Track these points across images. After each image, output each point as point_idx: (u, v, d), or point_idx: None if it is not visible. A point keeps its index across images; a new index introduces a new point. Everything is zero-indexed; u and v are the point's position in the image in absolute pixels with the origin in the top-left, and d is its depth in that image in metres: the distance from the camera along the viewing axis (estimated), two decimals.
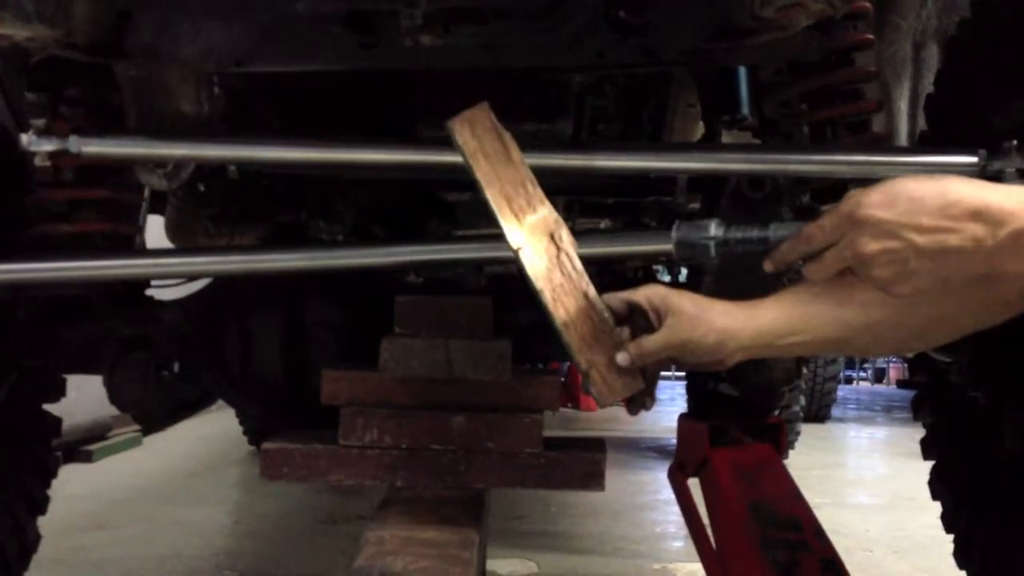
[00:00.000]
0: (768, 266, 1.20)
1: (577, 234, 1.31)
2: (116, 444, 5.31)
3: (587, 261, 1.27)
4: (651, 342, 1.20)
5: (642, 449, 6.00)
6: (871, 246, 1.08)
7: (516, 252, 1.23)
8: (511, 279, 2.65)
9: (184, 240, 2.75)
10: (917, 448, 2.03)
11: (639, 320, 1.23)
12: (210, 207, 2.40)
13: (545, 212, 1.25)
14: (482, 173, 1.25)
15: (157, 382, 1.88)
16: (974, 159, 1.58)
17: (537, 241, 1.23)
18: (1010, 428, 1.83)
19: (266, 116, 2.22)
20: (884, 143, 2.02)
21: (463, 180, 2.37)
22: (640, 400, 1.26)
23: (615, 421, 7.17)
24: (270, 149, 1.68)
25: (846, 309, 1.18)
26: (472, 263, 2.30)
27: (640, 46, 1.46)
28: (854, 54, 1.86)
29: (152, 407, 1.89)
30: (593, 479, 1.64)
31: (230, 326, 1.93)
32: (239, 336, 1.93)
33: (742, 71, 2.04)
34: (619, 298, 1.24)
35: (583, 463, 1.64)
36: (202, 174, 2.01)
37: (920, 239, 1.06)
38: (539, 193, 1.26)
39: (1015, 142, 1.58)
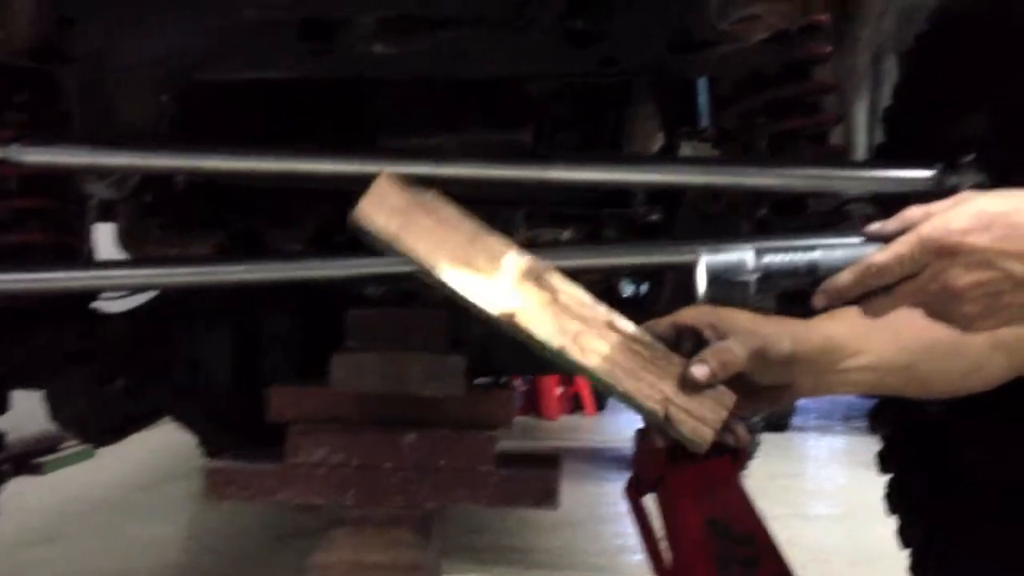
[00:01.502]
0: (821, 301, 1.01)
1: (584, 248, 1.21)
2: (68, 456, 5.20)
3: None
4: (730, 347, 1.04)
5: (603, 459, 5.98)
6: (964, 278, 0.95)
7: (509, 321, 1.02)
8: None
9: (136, 249, 2.69)
10: (870, 459, 2.02)
11: (687, 344, 1.08)
12: (162, 216, 2.35)
13: (517, 258, 1.03)
14: (421, 254, 1.00)
15: (100, 397, 1.82)
16: (930, 173, 1.57)
17: (527, 295, 1.02)
18: (967, 442, 1.82)
19: (223, 125, 2.18)
20: (843, 155, 2.02)
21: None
22: (740, 439, 1.10)
23: (576, 430, 7.15)
24: (220, 159, 1.64)
25: (903, 328, 1.06)
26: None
27: (598, 56, 1.44)
28: (813, 67, 1.85)
29: (95, 423, 1.84)
30: (547, 497, 1.61)
31: (177, 339, 1.88)
32: (187, 350, 1.88)
33: (701, 83, 2.03)
34: (664, 324, 1.09)
35: (537, 480, 1.61)
36: (151, 183, 1.96)
37: (1020, 268, 0.94)
38: (499, 239, 1.04)
39: (972, 156, 1.58)
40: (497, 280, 1.02)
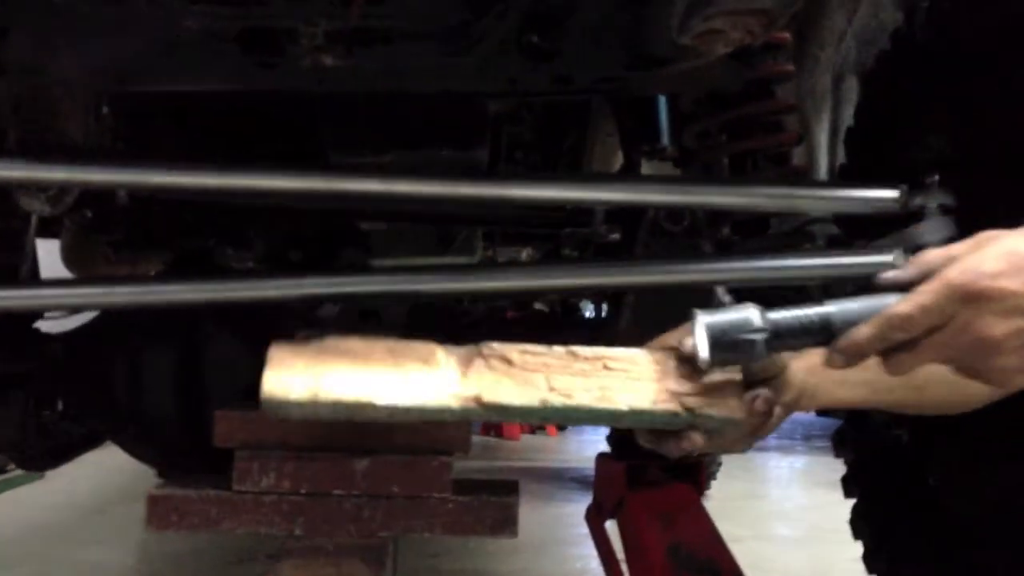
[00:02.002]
0: (837, 362, 0.94)
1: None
2: (15, 478, 5.06)
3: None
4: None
5: (565, 480, 5.93)
6: (999, 327, 0.86)
7: (478, 403, 0.99)
8: (432, 307, 2.57)
9: (81, 268, 2.61)
10: (836, 478, 1.99)
11: (684, 368, 1.03)
12: (109, 233, 2.28)
13: (447, 350, 0.99)
14: (351, 395, 0.97)
15: (37, 422, 1.74)
16: (895, 193, 1.55)
17: (479, 375, 0.98)
18: (929, 466, 1.80)
19: (168, 140, 2.11)
20: (804, 176, 2.00)
21: (376, 209, 2.29)
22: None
23: (538, 451, 7.10)
24: (163, 174, 1.57)
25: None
26: (387, 297, 2.21)
27: (553, 73, 1.39)
28: (775, 85, 1.83)
29: (32, 448, 1.76)
30: (505, 525, 1.55)
31: (119, 361, 1.81)
32: (129, 372, 1.81)
33: (661, 101, 2.00)
34: (665, 342, 1.05)
35: (494, 508, 1.56)
36: (91, 199, 1.89)
37: None
38: (419, 343, 0.99)
39: (936, 177, 1.56)
40: (443, 374, 0.98)
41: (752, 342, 0.95)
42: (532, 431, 7.94)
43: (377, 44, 1.36)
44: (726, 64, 1.55)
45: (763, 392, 1.02)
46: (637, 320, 1.71)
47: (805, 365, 1.06)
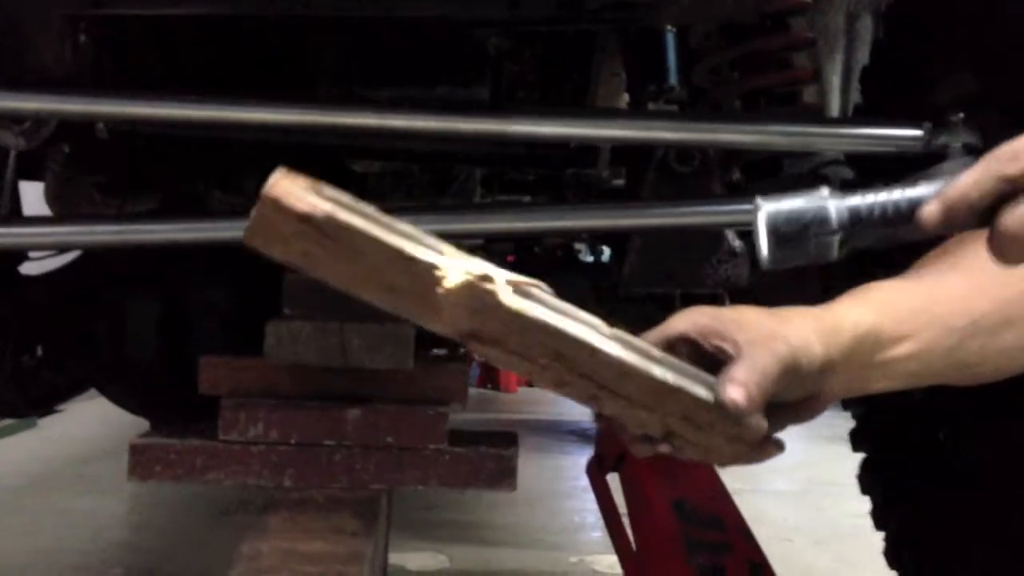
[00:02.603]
0: (930, 219, 0.72)
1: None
2: (7, 427, 5.00)
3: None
4: (761, 363, 0.80)
5: (562, 433, 5.89)
6: None
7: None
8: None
9: (66, 209, 2.52)
10: (834, 432, 1.93)
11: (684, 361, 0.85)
12: (94, 174, 2.19)
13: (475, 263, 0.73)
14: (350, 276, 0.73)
15: (15, 368, 1.67)
16: (919, 132, 1.46)
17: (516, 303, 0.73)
18: (939, 421, 1.74)
19: (157, 73, 2.02)
20: (818, 114, 1.91)
21: (370, 146, 2.20)
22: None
23: (535, 403, 7.06)
24: (141, 105, 1.49)
25: (942, 303, 0.87)
26: None
27: None
28: (790, 19, 1.73)
29: (12, 395, 1.69)
30: (503, 478, 1.49)
31: (101, 306, 1.73)
32: (111, 317, 1.73)
33: (670, 37, 1.91)
34: (647, 337, 0.85)
35: (492, 460, 1.49)
36: (70, 134, 1.80)
37: None
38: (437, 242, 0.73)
39: (961, 115, 1.47)
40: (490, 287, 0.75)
41: (827, 242, 0.78)
42: (529, 383, 7.91)
43: None
44: None
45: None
46: (643, 266, 1.63)
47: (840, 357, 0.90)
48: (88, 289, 1.77)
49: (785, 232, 0.78)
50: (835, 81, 2.41)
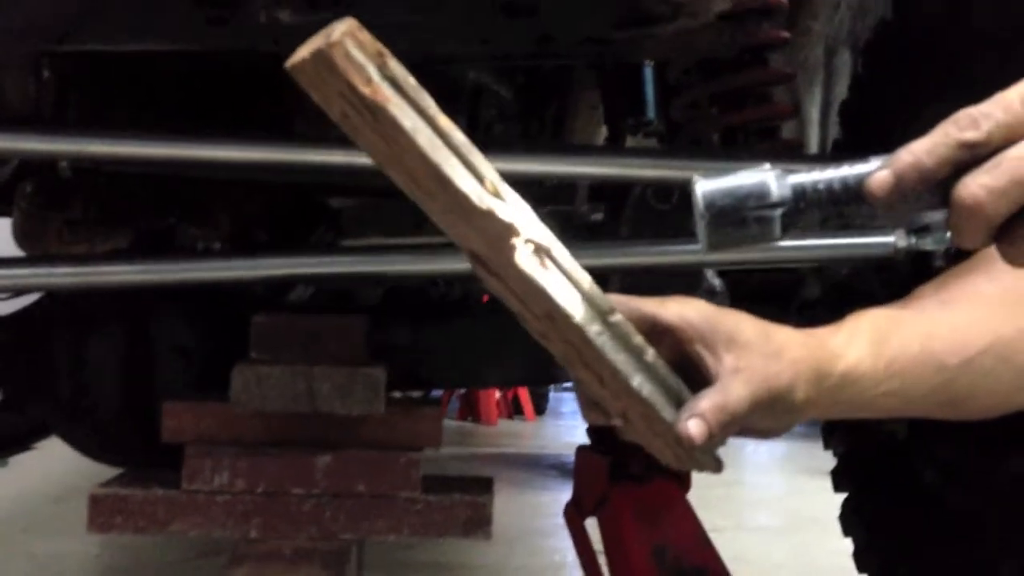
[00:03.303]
0: (879, 188, 0.64)
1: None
2: None
3: None
4: (734, 399, 0.76)
5: (542, 467, 5.83)
6: None
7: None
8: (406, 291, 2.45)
9: (34, 247, 2.47)
10: (817, 464, 1.89)
11: (663, 352, 0.79)
12: (62, 210, 2.15)
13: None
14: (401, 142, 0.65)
15: None
16: None
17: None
18: (926, 463, 1.71)
19: (126, 108, 1.98)
20: (796, 150, 1.89)
21: (345, 184, 2.16)
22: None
23: (516, 436, 7.01)
24: (105, 143, 1.45)
25: (937, 338, 0.82)
26: (356, 277, 2.10)
27: (533, 32, 1.27)
28: (769, 53, 1.71)
29: None
30: (478, 526, 1.45)
31: (62, 348, 1.68)
32: (72, 360, 1.68)
33: (648, 71, 1.89)
34: (637, 311, 0.78)
35: (467, 508, 1.45)
36: (34, 172, 1.76)
37: None
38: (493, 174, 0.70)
39: None
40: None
41: (768, 219, 0.70)
42: (510, 416, 7.86)
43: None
44: (720, 27, 1.44)
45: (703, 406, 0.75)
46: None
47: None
48: (48, 329, 1.72)
49: (722, 207, 0.71)
50: (814, 114, 2.40)
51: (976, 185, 0.60)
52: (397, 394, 1.72)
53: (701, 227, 0.72)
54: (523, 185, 1.99)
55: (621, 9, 1.23)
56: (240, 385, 1.41)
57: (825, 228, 0.73)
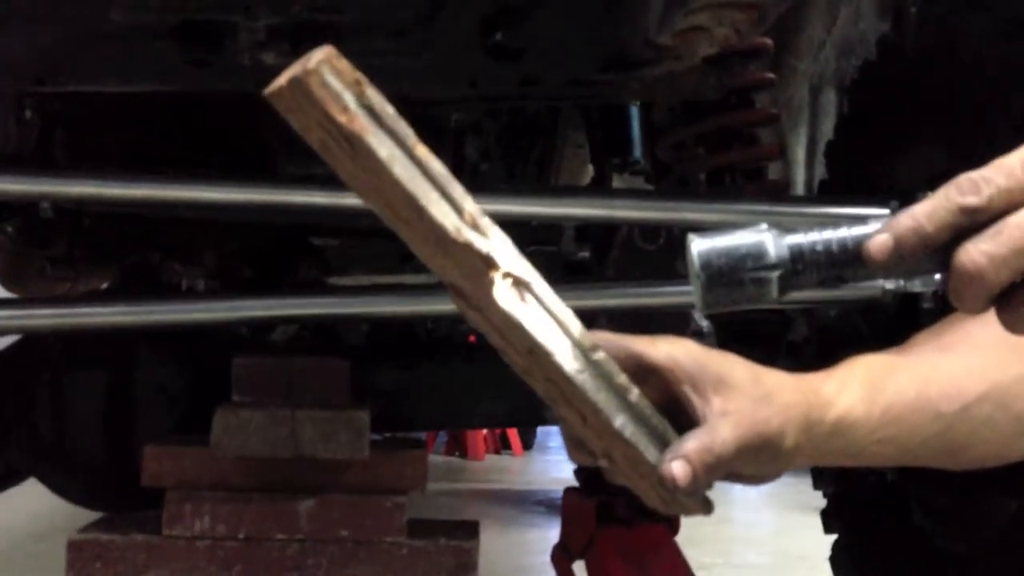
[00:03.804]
0: (878, 251, 0.63)
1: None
2: None
3: None
4: (720, 441, 0.73)
5: (530, 503, 5.79)
6: None
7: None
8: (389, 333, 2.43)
9: (18, 285, 2.45)
10: (805, 501, 1.87)
11: (650, 392, 0.77)
12: (46, 247, 2.13)
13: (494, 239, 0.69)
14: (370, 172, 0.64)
15: None
16: (886, 211, 1.43)
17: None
18: (917, 505, 1.70)
19: (111, 147, 1.97)
20: (783, 191, 1.89)
21: (329, 224, 2.16)
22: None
23: (503, 472, 6.96)
24: (88, 184, 1.44)
25: (934, 385, 0.80)
26: (339, 319, 2.08)
27: (519, 74, 1.27)
28: (755, 95, 1.72)
29: None
30: (464, 572, 1.43)
31: (41, 390, 1.66)
32: (52, 402, 1.66)
33: (634, 111, 1.89)
34: (623, 350, 0.76)
35: (452, 553, 1.43)
36: (16, 211, 1.75)
37: None
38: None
39: (929, 194, 1.45)
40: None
41: (764, 280, 0.69)
42: (497, 450, 7.82)
43: (324, 40, 1.23)
44: (705, 70, 1.44)
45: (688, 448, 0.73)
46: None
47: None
48: (27, 370, 1.70)
49: (719, 267, 0.70)
50: (800, 154, 2.41)
51: (977, 252, 0.60)
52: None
53: (696, 287, 0.71)
54: (509, 226, 1.98)
55: (605, 53, 1.23)
56: (221, 429, 1.39)
57: (824, 288, 0.72)
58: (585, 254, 2.06)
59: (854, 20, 2.14)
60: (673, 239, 1.57)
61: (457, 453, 7.54)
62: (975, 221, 0.61)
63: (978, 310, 0.62)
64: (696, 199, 1.52)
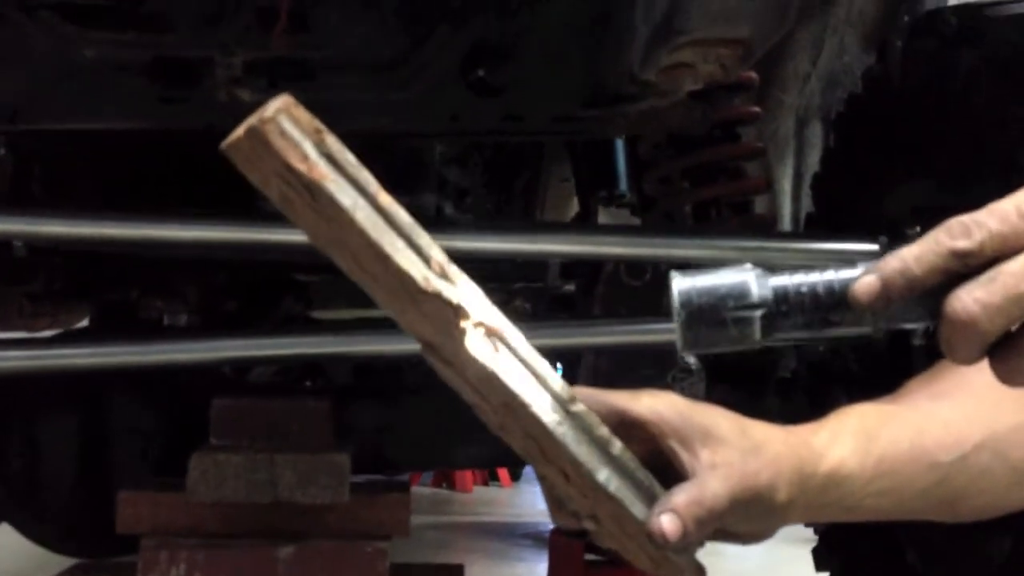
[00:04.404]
0: (864, 294, 0.62)
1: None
2: None
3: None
4: (710, 495, 0.71)
5: (517, 536, 5.74)
6: None
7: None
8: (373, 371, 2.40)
9: None
10: (797, 532, 1.83)
11: (633, 448, 0.74)
12: (24, 284, 2.10)
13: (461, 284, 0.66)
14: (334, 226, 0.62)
15: None
16: (875, 247, 1.42)
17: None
18: (908, 543, 1.68)
19: (88, 184, 1.95)
20: (771, 226, 1.88)
21: (310, 260, 2.14)
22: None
23: (491, 504, 6.90)
24: (62, 224, 1.41)
25: (929, 434, 0.78)
26: (321, 358, 2.05)
27: (501, 110, 1.25)
28: (741, 129, 1.71)
29: None
30: None
31: (13, 431, 1.63)
32: (24, 444, 1.62)
33: (620, 143, 1.88)
34: (605, 405, 0.73)
35: None
36: None
37: None
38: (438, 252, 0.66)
39: (918, 228, 1.43)
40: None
41: (746, 320, 0.67)
42: (485, 482, 7.76)
43: (303, 77, 1.21)
44: (690, 104, 1.42)
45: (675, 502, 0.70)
46: (595, 385, 1.55)
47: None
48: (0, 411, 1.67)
49: (699, 305, 0.67)
50: (786, 186, 2.40)
51: (971, 299, 0.57)
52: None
53: (677, 325, 0.68)
54: (494, 261, 1.96)
55: (589, 89, 1.21)
56: (198, 474, 1.35)
57: (809, 332, 0.69)
58: (571, 287, 2.04)
59: (839, 53, 2.13)
60: (660, 275, 1.55)
61: (444, 485, 7.48)
62: (967, 266, 0.58)
63: (971, 361, 0.60)
64: (682, 235, 1.50)
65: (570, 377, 1.73)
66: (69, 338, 1.79)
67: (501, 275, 1.88)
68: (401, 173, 1.81)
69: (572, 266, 1.76)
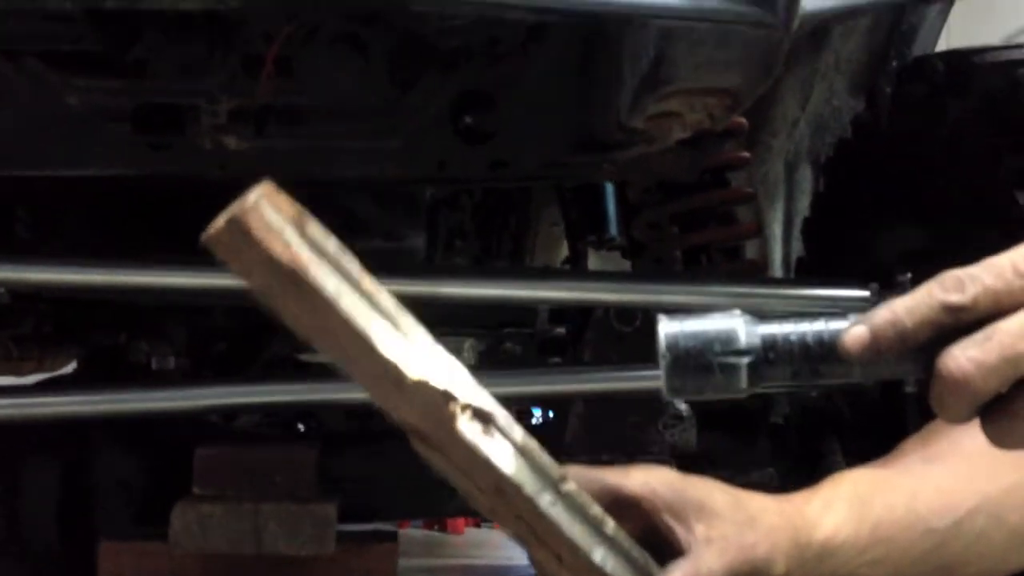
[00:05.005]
0: (854, 345, 0.60)
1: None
2: None
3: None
4: (706, 570, 0.69)
5: None
6: None
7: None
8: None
9: None
10: None
11: (626, 525, 0.72)
12: (13, 329, 2.09)
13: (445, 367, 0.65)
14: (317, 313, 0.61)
15: None
16: (866, 293, 1.41)
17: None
18: None
19: (75, 228, 1.94)
20: (762, 270, 1.87)
21: None
22: None
23: (483, 546, 6.82)
24: (46, 271, 1.40)
25: (924, 499, 0.77)
26: (300, 407, 2.02)
27: (489, 156, 1.24)
28: (730, 174, 1.71)
29: None
30: None
31: None
32: (4, 493, 1.60)
33: (609, 188, 1.88)
34: (597, 483, 0.72)
35: None
36: None
37: None
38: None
39: (909, 275, 1.42)
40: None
41: (733, 367, 0.66)
42: (477, 524, 7.69)
43: (289, 124, 1.20)
44: (679, 150, 1.42)
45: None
46: (586, 433, 1.54)
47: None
48: None
49: (686, 349, 0.66)
50: (777, 231, 2.40)
51: (964, 357, 0.56)
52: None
53: (662, 369, 0.67)
54: (483, 308, 1.95)
55: (577, 136, 1.21)
56: (181, 525, 1.33)
57: (797, 383, 0.68)
58: (561, 330, 2.03)
59: (828, 98, 2.13)
60: (650, 321, 1.54)
61: (436, 527, 7.41)
62: (959, 320, 0.57)
63: (961, 420, 0.58)
64: (671, 281, 1.49)
65: (559, 425, 1.72)
66: (53, 386, 1.77)
67: (489, 322, 1.87)
68: (391, 217, 1.80)
69: (562, 310, 1.75)
